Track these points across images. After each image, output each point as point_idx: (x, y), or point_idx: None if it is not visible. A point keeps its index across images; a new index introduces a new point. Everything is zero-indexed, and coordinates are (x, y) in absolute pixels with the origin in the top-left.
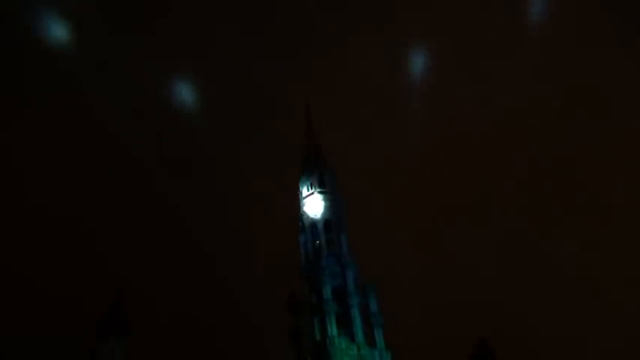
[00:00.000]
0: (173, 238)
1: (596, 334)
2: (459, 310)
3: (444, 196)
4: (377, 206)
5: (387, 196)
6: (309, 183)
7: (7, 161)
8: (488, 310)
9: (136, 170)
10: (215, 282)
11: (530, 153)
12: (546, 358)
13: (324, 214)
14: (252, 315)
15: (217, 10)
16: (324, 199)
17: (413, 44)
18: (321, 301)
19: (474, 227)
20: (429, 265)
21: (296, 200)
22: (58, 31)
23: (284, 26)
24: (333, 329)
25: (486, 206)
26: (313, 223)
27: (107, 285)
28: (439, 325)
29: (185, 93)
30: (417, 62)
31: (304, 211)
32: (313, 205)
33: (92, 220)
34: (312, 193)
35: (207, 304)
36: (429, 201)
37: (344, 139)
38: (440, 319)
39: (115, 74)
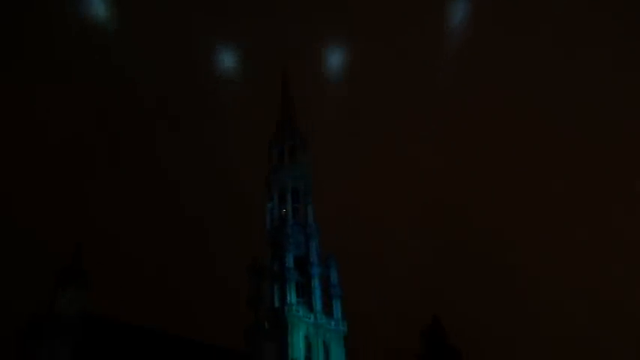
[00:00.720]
0: (145, 193)
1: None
2: (415, 289)
3: (412, 179)
4: (346, 181)
5: (356, 174)
6: (280, 151)
7: None
8: (442, 289)
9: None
10: (180, 238)
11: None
12: (490, 339)
13: (293, 183)
14: (215, 276)
15: None
16: (294, 169)
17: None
18: (283, 268)
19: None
20: (389, 243)
21: (266, 167)
22: None
23: None
24: (292, 297)
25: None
26: (282, 191)
27: (70, 236)
28: (395, 301)
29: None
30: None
31: (273, 179)
32: (283, 173)
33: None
34: (283, 162)
35: (172, 259)
36: (397, 183)
37: (320, 112)
38: (397, 296)
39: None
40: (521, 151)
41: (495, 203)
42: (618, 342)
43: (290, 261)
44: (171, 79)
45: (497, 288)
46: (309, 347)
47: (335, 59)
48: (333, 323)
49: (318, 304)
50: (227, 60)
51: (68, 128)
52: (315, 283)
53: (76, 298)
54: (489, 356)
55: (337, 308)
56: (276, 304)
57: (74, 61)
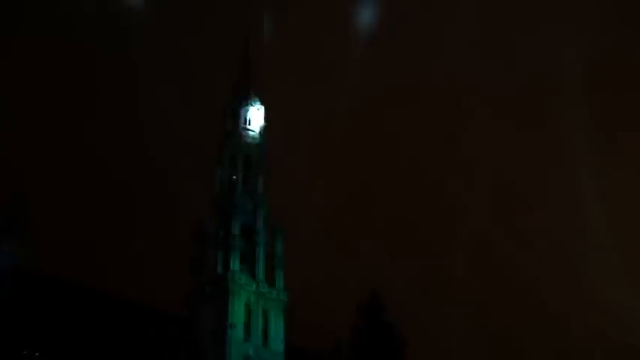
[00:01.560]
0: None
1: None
2: (359, 264)
3: (367, 157)
4: (300, 153)
5: (311, 147)
6: (235, 116)
7: None
8: (384, 265)
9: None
10: (128, 198)
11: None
12: (427, 316)
13: (245, 150)
14: (159, 239)
15: None
16: (248, 136)
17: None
18: (229, 235)
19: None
20: (337, 218)
21: (221, 131)
22: None
23: None
24: (235, 264)
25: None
26: (233, 157)
27: (5, 187)
28: (338, 275)
29: None
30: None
31: (226, 144)
32: (236, 139)
33: None
34: (237, 128)
35: (117, 219)
36: (352, 160)
37: (281, 81)
38: (340, 270)
39: None
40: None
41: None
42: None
43: (236, 228)
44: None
45: (438, 269)
46: (248, 314)
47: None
48: (274, 292)
49: (261, 272)
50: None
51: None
52: (260, 252)
53: (9, 251)
54: (425, 333)
55: (280, 278)
56: (219, 270)
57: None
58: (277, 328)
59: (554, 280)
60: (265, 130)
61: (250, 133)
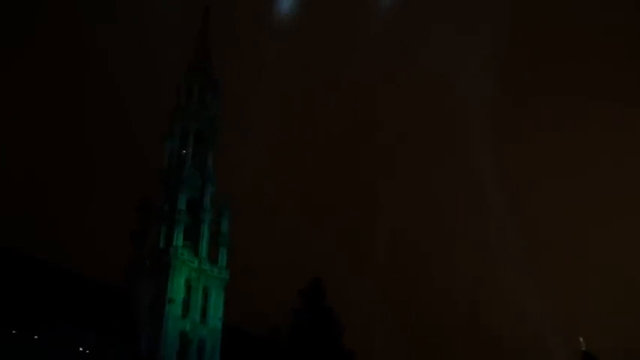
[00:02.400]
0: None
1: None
2: (301, 249)
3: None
4: (253, 133)
5: (266, 127)
6: (189, 90)
7: None
8: (325, 251)
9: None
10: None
11: None
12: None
13: (197, 125)
14: (103, 209)
15: None
16: (201, 111)
17: None
18: (174, 210)
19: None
20: (284, 201)
21: (174, 104)
22: None
23: None
24: (179, 240)
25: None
26: (184, 132)
27: None
28: (282, 257)
29: None
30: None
31: (177, 117)
32: (188, 113)
33: None
34: (191, 102)
35: (62, 186)
36: (304, 141)
37: (238, 59)
38: (285, 253)
39: None
40: None
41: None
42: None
43: (182, 203)
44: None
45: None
46: (188, 291)
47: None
48: (216, 270)
49: (204, 250)
50: None
51: None
52: (205, 228)
53: None
54: (364, 319)
55: (223, 256)
56: (162, 244)
57: None
58: (216, 307)
59: (456, 265)
60: (218, 106)
61: (203, 108)
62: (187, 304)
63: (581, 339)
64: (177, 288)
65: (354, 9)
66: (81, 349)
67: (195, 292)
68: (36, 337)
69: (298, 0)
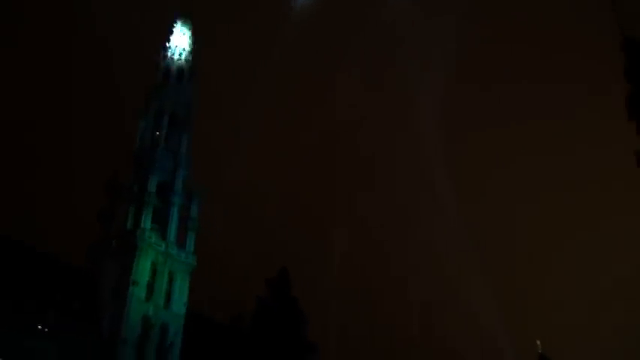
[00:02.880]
0: None
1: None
2: (272, 241)
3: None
4: (230, 122)
5: (244, 117)
6: (166, 70)
7: None
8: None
9: None
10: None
11: None
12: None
13: (173, 107)
14: (73, 186)
15: None
16: (178, 92)
17: None
18: (144, 191)
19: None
20: (256, 191)
21: (151, 83)
22: None
23: None
24: (147, 222)
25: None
26: (159, 112)
27: None
28: (250, 246)
29: None
30: None
31: (153, 97)
32: (164, 94)
33: None
34: (167, 83)
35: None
36: (280, 135)
37: (216, 44)
38: (256, 242)
39: None
40: None
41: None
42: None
43: (152, 185)
44: None
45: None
46: (153, 274)
47: None
48: (183, 255)
49: (172, 233)
50: None
51: None
52: (174, 212)
53: None
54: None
55: (191, 241)
56: (129, 225)
57: None
58: (181, 292)
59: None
60: (195, 90)
61: (180, 90)
62: (152, 287)
63: (538, 342)
64: (142, 271)
65: None
66: (40, 326)
67: (160, 276)
68: None
69: None
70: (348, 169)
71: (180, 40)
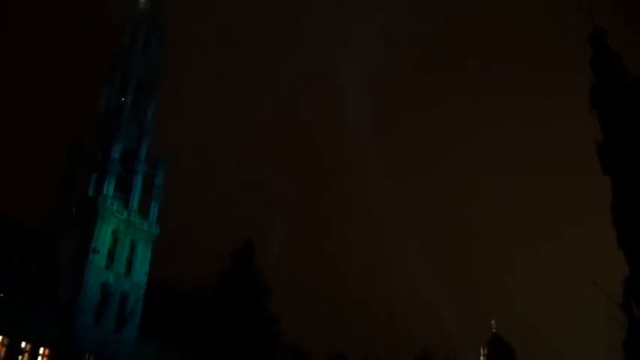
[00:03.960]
0: None
1: None
2: (234, 214)
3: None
4: (199, 91)
5: (213, 88)
6: (134, 34)
7: None
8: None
9: None
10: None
11: None
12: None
13: (140, 72)
14: (33, 150)
15: None
16: (145, 57)
17: None
18: (107, 158)
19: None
20: (223, 161)
21: (117, 47)
22: None
23: None
24: (109, 189)
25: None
26: (125, 78)
27: None
28: (215, 219)
29: None
30: None
31: (119, 62)
32: (131, 59)
33: None
34: (135, 47)
35: None
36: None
37: (185, 10)
38: (221, 213)
39: None
40: None
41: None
42: None
43: (116, 152)
44: None
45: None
46: (114, 242)
47: None
48: (146, 225)
49: (135, 202)
50: None
51: None
52: (138, 181)
53: None
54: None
55: (154, 211)
56: (91, 192)
57: None
58: (143, 261)
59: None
60: (163, 56)
61: (147, 55)
62: (112, 255)
63: (492, 321)
64: (103, 238)
65: None
66: None
67: (121, 244)
68: None
69: None
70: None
71: (148, 4)
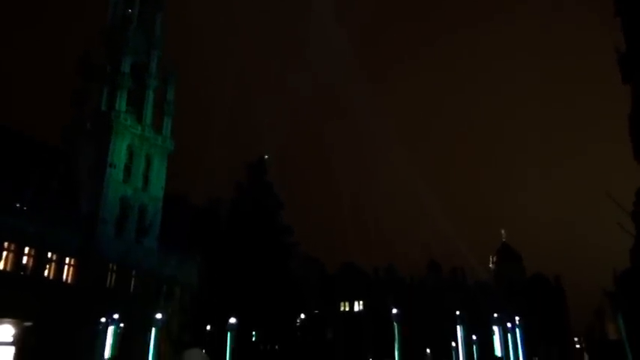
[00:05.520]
0: None
1: None
2: (250, 127)
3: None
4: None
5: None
6: None
7: None
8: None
9: None
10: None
11: None
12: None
13: None
14: (42, 65)
15: None
16: None
17: None
18: (117, 73)
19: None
20: (234, 74)
21: None
22: None
23: None
24: (122, 104)
25: None
26: None
27: None
28: (230, 133)
29: None
30: None
31: None
32: None
33: None
34: None
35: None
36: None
37: None
38: (233, 128)
39: None
40: None
41: None
42: None
43: (126, 66)
44: None
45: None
46: (130, 157)
47: None
48: (160, 139)
49: (148, 117)
50: None
51: None
52: (150, 95)
53: None
54: (305, 197)
55: (167, 125)
56: (103, 107)
57: None
58: (159, 175)
59: None
60: None
61: None
62: (129, 170)
63: (502, 231)
64: (118, 153)
65: None
66: (18, 205)
67: (137, 158)
68: None
69: None
70: None
71: None
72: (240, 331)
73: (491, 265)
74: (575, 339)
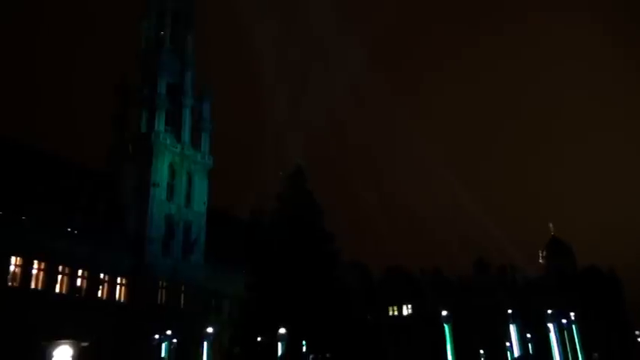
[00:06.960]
0: None
1: None
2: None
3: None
4: (235, 15)
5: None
6: None
7: None
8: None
9: None
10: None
11: None
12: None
13: (174, 4)
14: (81, 92)
15: None
16: None
17: None
18: (154, 94)
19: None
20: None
21: None
22: None
23: None
24: (160, 124)
25: None
26: (161, 11)
27: None
28: (266, 145)
29: None
30: None
31: None
32: None
33: None
34: None
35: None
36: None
37: None
38: (269, 140)
39: None
40: None
41: None
42: None
43: (162, 87)
44: None
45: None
46: (172, 175)
47: None
48: (199, 156)
49: (186, 135)
50: None
51: None
52: (186, 113)
53: None
54: (343, 202)
55: (205, 142)
56: (143, 129)
57: None
58: (200, 191)
59: None
60: None
61: None
62: (172, 188)
63: (550, 224)
64: (160, 172)
65: None
66: (69, 229)
67: (179, 176)
68: (23, 217)
69: None
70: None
71: None
72: (290, 341)
73: (541, 261)
74: (637, 332)
